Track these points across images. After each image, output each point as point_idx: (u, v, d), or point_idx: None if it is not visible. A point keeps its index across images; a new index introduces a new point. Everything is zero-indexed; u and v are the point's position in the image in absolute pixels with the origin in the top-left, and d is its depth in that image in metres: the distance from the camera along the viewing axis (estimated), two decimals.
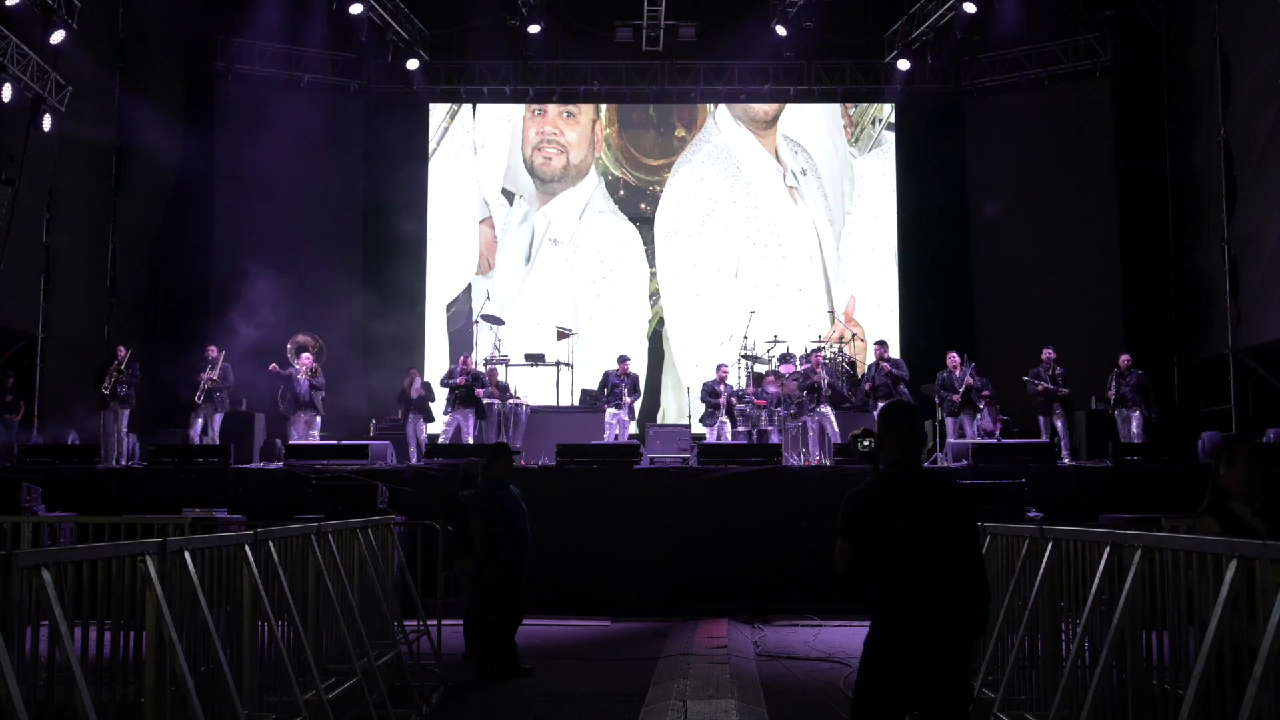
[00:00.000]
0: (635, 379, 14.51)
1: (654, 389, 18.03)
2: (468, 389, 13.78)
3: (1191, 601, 3.85)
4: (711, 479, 11.06)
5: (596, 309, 18.21)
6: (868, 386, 13.39)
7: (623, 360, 14.39)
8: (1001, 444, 12.29)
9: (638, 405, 14.85)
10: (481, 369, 14.54)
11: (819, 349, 15.19)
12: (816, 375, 13.63)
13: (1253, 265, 14.00)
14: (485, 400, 14.25)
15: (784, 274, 18.22)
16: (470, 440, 13.61)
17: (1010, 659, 5.35)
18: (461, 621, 8.23)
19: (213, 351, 13.42)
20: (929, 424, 14.50)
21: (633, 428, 14.80)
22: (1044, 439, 13.16)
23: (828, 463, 12.45)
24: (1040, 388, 13.26)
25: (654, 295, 18.39)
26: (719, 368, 14.31)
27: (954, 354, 13.58)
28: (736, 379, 15.09)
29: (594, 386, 15.21)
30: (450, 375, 14.08)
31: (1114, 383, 13.10)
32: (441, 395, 14.15)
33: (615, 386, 14.14)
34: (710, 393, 14.02)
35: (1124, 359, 13.27)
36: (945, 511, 3.66)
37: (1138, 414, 12.99)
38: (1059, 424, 13.31)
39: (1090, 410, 14.31)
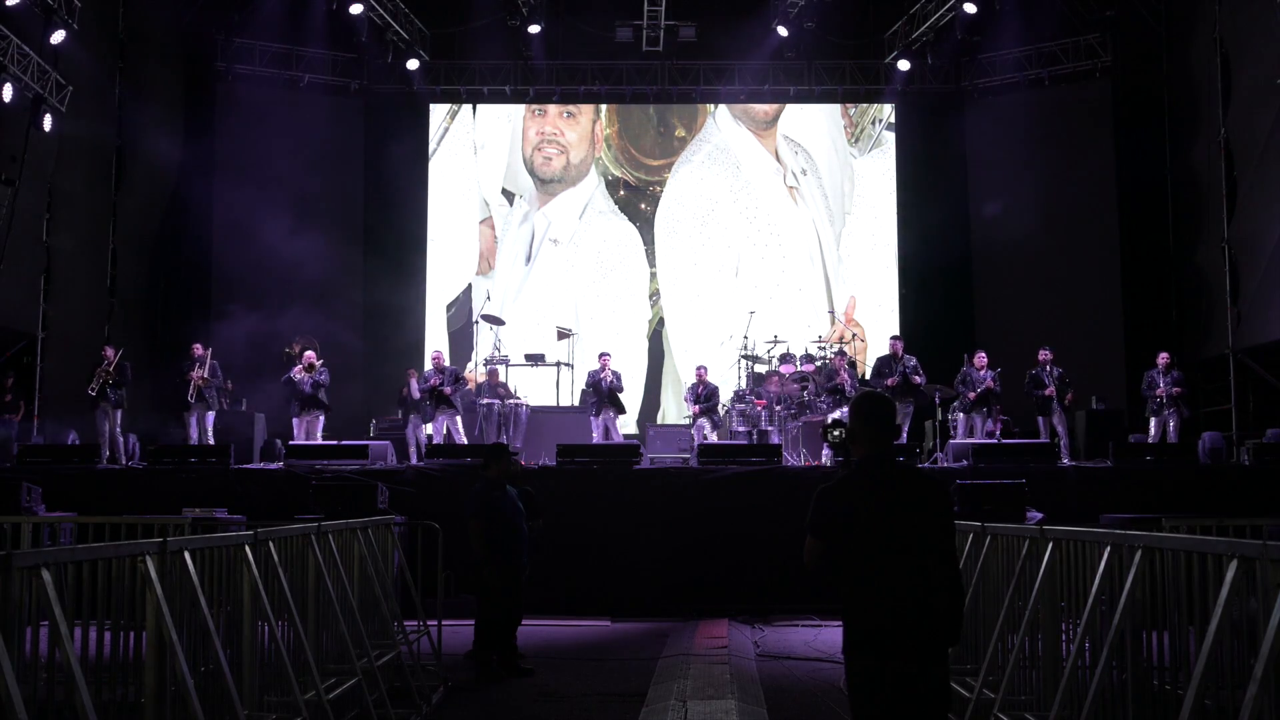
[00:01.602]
0: (618, 374, 14.45)
1: (654, 389, 18.04)
2: (438, 390, 13.63)
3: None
4: (711, 479, 11.05)
5: (596, 309, 18.22)
6: (890, 383, 13.25)
7: (604, 356, 14.37)
8: (1001, 444, 12.27)
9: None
10: (481, 368, 14.46)
11: (841, 350, 15.08)
12: (840, 378, 13.58)
13: (1253, 265, 14.00)
14: (486, 400, 14.23)
15: (784, 274, 18.22)
16: (462, 440, 13.54)
17: (1010, 659, 5.35)
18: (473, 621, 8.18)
19: (198, 349, 13.34)
20: (930, 424, 14.51)
21: (632, 427, 14.78)
22: (1044, 439, 13.15)
23: (828, 463, 12.44)
24: (1048, 393, 13.15)
25: (654, 295, 18.39)
26: (697, 369, 14.39)
27: (983, 354, 13.55)
28: (737, 379, 15.09)
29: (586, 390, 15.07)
30: (425, 379, 13.93)
31: (1160, 381, 12.98)
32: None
33: (613, 391, 14.05)
34: (694, 395, 14.13)
35: (1163, 357, 13.13)
36: (919, 509, 3.54)
37: (1176, 414, 12.94)
38: (1058, 425, 13.27)
39: (1090, 410, 14.30)
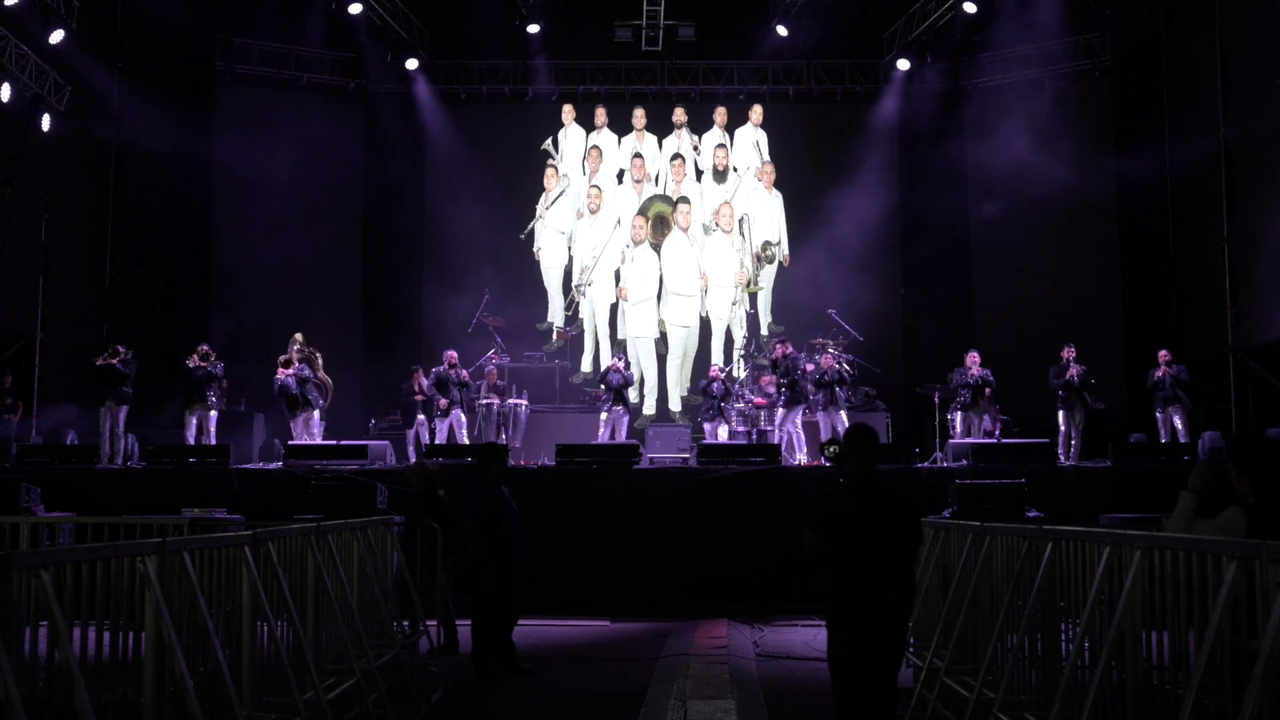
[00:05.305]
0: (627, 373, 14.51)
1: (654, 389, 18.01)
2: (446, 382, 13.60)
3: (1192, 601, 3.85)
4: (711, 479, 11.05)
5: (599, 308, 18.18)
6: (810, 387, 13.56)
7: (617, 357, 14.43)
8: (1001, 444, 12.27)
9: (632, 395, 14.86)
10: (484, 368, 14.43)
11: (825, 344, 15.05)
12: (834, 372, 13.58)
13: (1253, 265, 13.99)
14: (486, 400, 14.21)
15: (784, 274, 18.20)
16: (465, 440, 13.53)
17: (1010, 659, 5.35)
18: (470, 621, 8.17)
19: (204, 348, 13.33)
20: (930, 424, 14.50)
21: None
22: (1063, 429, 13.07)
23: (828, 463, 12.43)
24: (1069, 376, 13.04)
25: (658, 295, 18.35)
26: (712, 368, 14.44)
27: (975, 353, 13.53)
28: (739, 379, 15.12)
29: (593, 384, 15.19)
30: (443, 374, 13.87)
31: (1164, 377, 12.88)
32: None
33: (621, 388, 14.08)
34: (704, 392, 14.13)
35: (1164, 354, 13.05)
36: (889, 517, 4.65)
37: (1180, 410, 12.88)
38: (1076, 426, 13.11)
39: (1090, 410, 14.26)
